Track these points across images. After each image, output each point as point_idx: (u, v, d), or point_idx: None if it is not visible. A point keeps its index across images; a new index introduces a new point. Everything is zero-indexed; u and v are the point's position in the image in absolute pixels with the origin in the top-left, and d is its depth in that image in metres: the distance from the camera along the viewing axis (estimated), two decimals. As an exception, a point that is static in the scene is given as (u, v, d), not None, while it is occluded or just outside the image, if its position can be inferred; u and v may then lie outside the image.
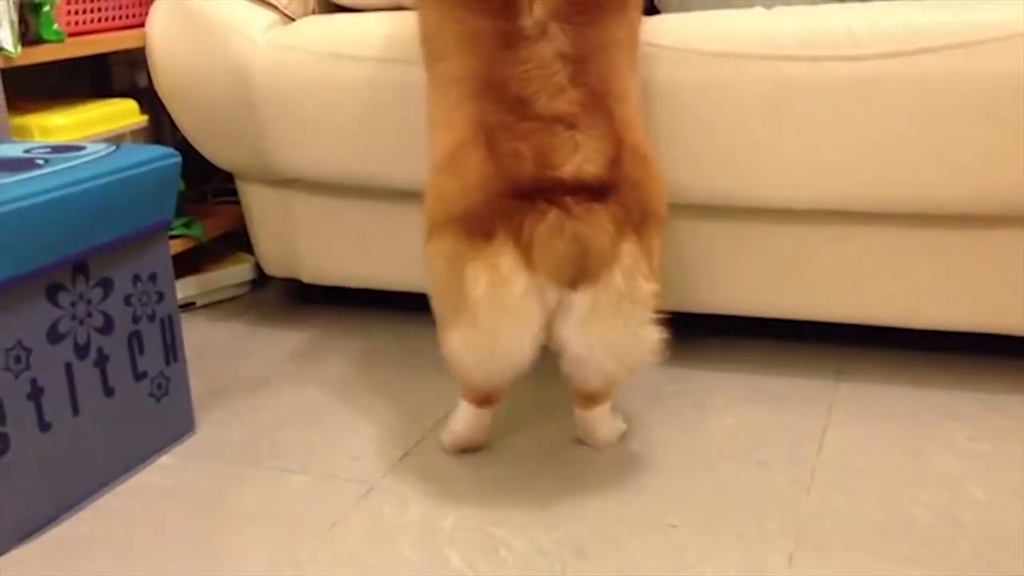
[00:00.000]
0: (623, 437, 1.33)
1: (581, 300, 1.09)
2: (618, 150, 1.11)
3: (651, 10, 1.49)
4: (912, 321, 1.46)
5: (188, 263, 1.87)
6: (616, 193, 1.10)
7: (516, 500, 1.21)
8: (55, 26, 1.55)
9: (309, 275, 1.77)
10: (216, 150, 1.70)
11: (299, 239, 1.74)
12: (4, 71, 1.48)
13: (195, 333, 1.75)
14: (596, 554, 1.10)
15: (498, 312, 1.08)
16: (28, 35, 1.53)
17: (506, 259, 1.07)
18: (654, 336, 1.14)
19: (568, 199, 1.07)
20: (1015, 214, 1.34)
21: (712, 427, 1.36)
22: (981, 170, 1.31)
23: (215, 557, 1.12)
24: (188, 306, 1.85)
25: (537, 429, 1.37)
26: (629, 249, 1.10)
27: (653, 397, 1.45)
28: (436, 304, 1.20)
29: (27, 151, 1.28)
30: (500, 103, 1.11)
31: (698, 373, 1.52)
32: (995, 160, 1.30)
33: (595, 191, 1.08)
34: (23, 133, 1.53)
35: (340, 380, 1.55)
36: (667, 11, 1.48)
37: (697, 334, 1.64)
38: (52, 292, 1.15)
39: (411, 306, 1.65)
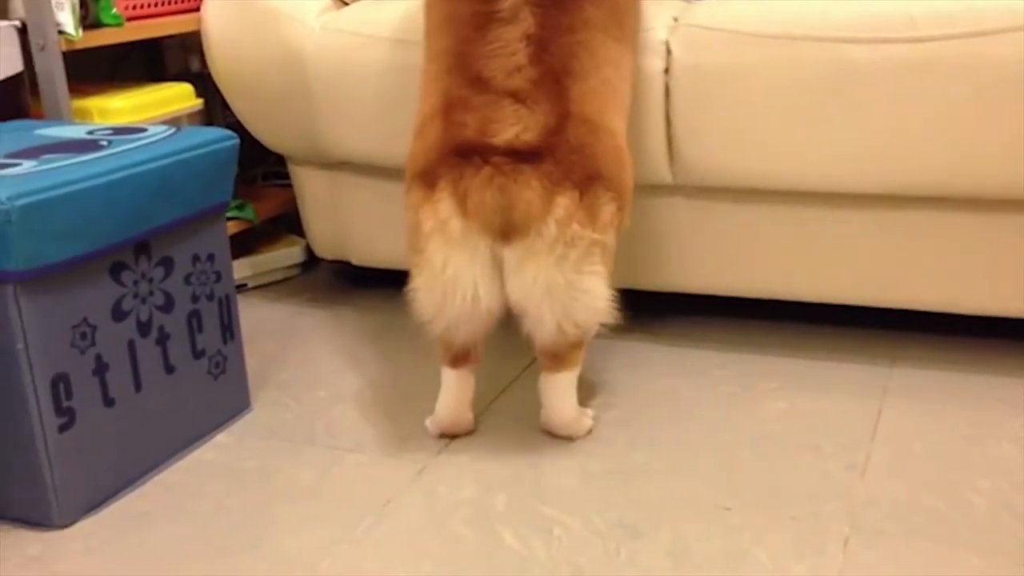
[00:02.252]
0: (588, 433, 1.32)
1: (513, 250, 1.18)
2: (561, 121, 1.19)
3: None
4: (967, 307, 1.44)
5: (240, 245, 1.90)
6: (552, 156, 1.18)
7: (569, 481, 1.21)
8: (114, 10, 1.57)
9: (359, 258, 1.79)
10: (269, 133, 1.71)
11: (349, 222, 1.76)
12: (65, 54, 1.50)
13: (247, 314, 1.77)
14: (650, 535, 1.10)
15: (442, 245, 1.19)
16: (88, 19, 1.55)
17: (445, 204, 1.19)
18: (599, 288, 1.20)
19: (500, 159, 1.17)
20: (1077, 199, 1.32)
21: (764, 411, 1.36)
22: (1043, 154, 1.29)
23: (270, 533, 1.14)
24: (240, 287, 1.87)
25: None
26: (564, 201, 1.17)
27: (703, 380, 1.45)
28: (407, 249, 1.27)
29: (90, 132, 1.30)
30: (464, 79, 1.22)
31: (748, 357, 1.51)
32: (1057, 144, 1.28)
33: (526, 155, 1.17)
34: (83, 115, 1.56)
35: (391, 361, 1.57)
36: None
37: (748, 318, 1.64)
38: (116, 271, 1.18)
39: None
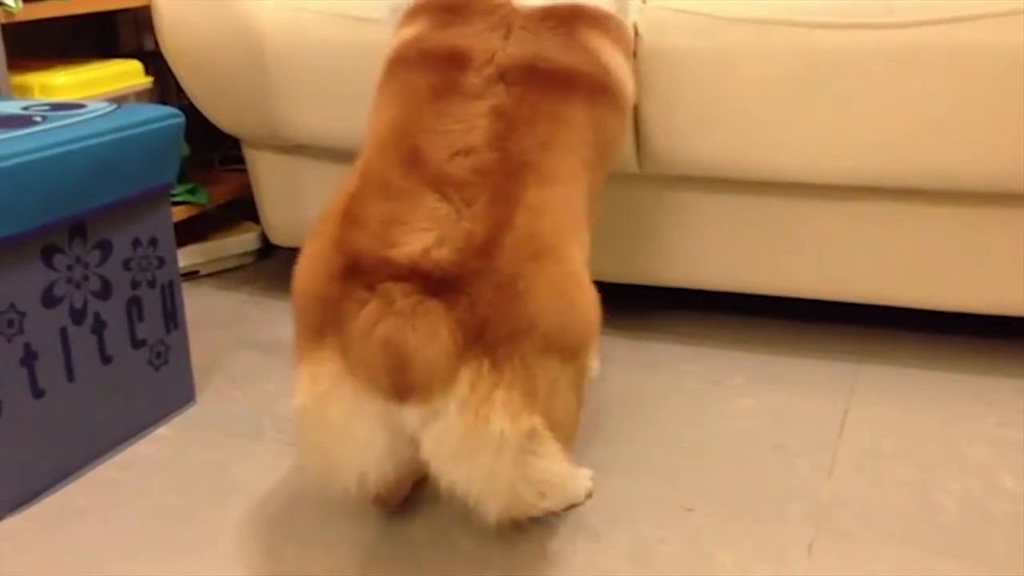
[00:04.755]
0: (589, 496, 1.12)
1: (421, 426, 0.88)
2: (496, 236, 0.88)
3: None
4: (938, 303, 1.41)
5: (193, 231, 1.83)
6: (468, 292, 0.86)
7: (526, 479, 1.17)
8: (58, -18, 1.50)
9: (316, 245, 1.73)
10: (222, 114, 1.65)
11: (306, 208, 1.70)
12: (5, 27, 1.43)
13: (198, 302, 1.71)
14: (609, 537, 1.05)
15: (320, 432, 0.90)
16: (30, -10, 1.48)
17: (327, 367, 0.88)
18: (554, 470, 0.90)
19: (393, 287, 0.85)
20: (1052, 193, 1.28)
21: (729, 408, 1.32)
22: (1019, 145, 1.25)
23: (213, 532, 1.08)
24: (192, 274, 1.81)
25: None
26: (469, 378, 0.85)
27: (666, 375, 1.40)
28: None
29: (25, 108, 1.23)
30: (396, 157, 0.94)
31: (715, 352, 1.47)
32: (1033, 136, 1.24)
33: (435, 282, 0.86)
34: (24, 91, 1.49)
35: (346, 353, 1.51)
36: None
37: (714, 311, 1.60)
38: (48, 254, 1.11)
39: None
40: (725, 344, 1.50)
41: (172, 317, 1.29)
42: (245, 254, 1.88)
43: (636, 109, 1.38)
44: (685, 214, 1.46)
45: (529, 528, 1.07)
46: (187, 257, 1.78)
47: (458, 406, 0.86)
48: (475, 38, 1.03)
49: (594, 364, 0.98)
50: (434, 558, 1.03)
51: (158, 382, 1.29)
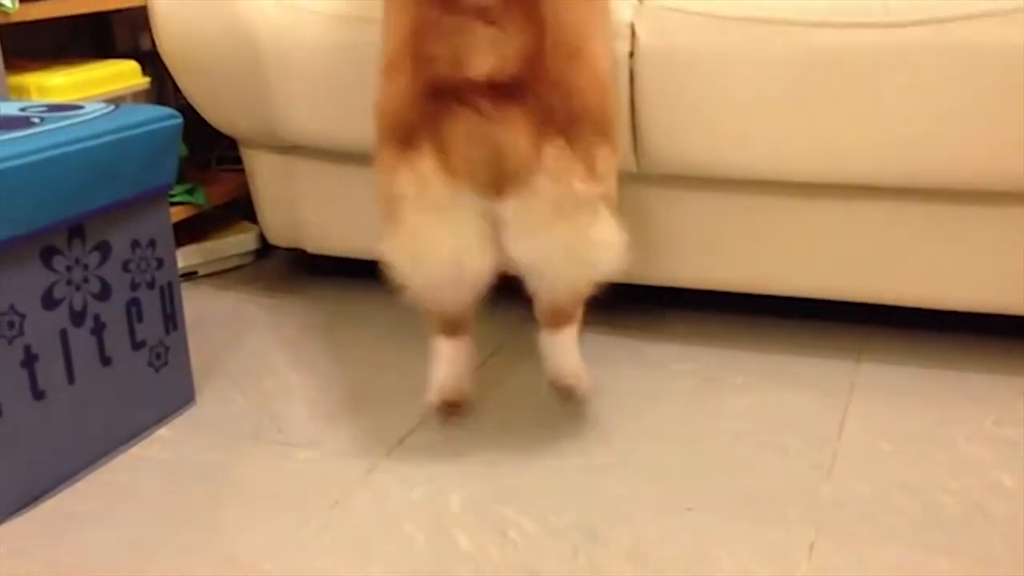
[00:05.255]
0: (591, 392, 1.27)
1: (513, 209, 1.06)
2: (538, 44, 1.05)
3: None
4: (937, 302, 1.41)
5: (191, 231, 1.83)
6: (533, 90, 1.05)
7: (525, 480, 1.17)
8: (54, -18, 1.50)
9: (314, 245, 1.72)
10: (219, 115, 1.65)
11: (304, 208, 1.70)
12: (2, 28, 1.43)
13: (197, 303, 1.71)
14: (609, 537, 1.06)
15: (421, 214, 1.07)
16: (26, -9, 1.48)
17: (427, 163, 1.06)
18: (612, 237, 1.10)
19: (481, 100, 1.04)
20: (1049, 192, 1.29)
21: (727, 407, 1.32)
22: (1016, 144, 1.25)
23: (214, 533, 1.08)
24: (191, 275, 1.80)
25: (543, 409, 1.33)
26: (554, 152, 1.05)
27: (664, 374, 1.40)
28: (381, 217, 1.16)
29: (22, 109, 1.23)
30: (435, 2, 1.07)
31: (712, 351, 1.47)
32: (1031, 135, 1.25)
33: (509, 89, 1.04)
34: (21, 92, 1.48)
35: (345, 353, 1.51)
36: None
37: (711, 310, 1.60)
38: (47, 255, 1.11)
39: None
40: (723, 343, 1.50)
41: (171, 318, 1.29)
42: (244, 254, 1.88)
43: (633, 108, 1.38)
44: (683, 213, 1.46)
45: (523, 524, 1.07)
46: (186, 257, 1.77)
47: (548, 177, 1.05)
48: None
49: (619, 157, 1.19)
50: (432, 559, 1.03)
51: (158, 383, 1.29)
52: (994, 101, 1.24)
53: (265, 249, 1.91)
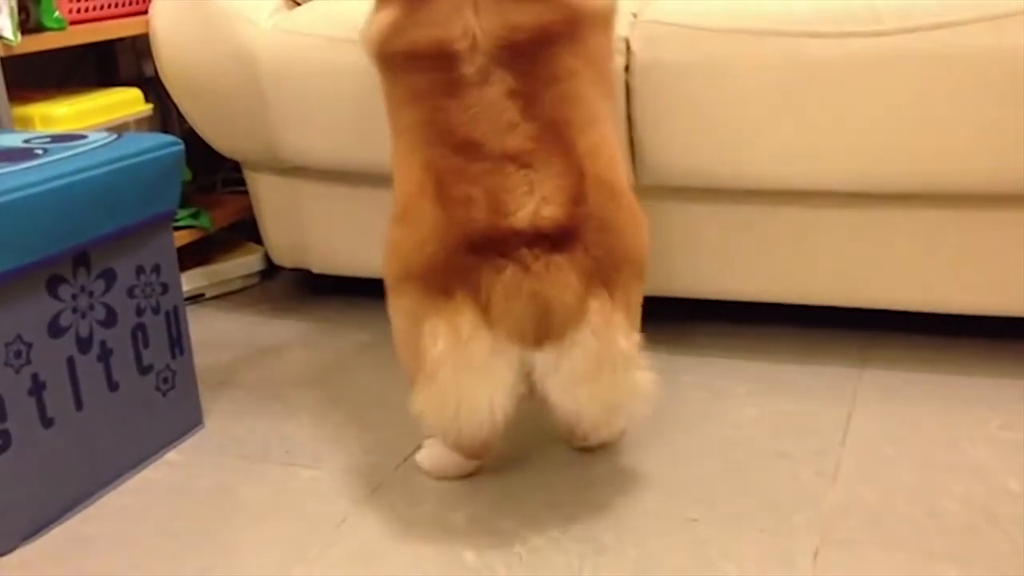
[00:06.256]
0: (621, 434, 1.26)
1: (552, 362, 1.02)
2: (580, 185, 1.02)
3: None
4: (939, 306, 1.41)
5: (197, 254, 1.84)
6: (580, 239, 1.01)
7: (531, 495, 1.17)
8: (56, 13, 1.52)
9: (318, 265, 1.74)
10: (222, 138, 1.66)
11: (308, 229, 1.71)
12: (5, 60, 1.45)
13: (204, 325, 1.72)
14: (614, 550, 1.06)
15: (459, 372, 1.01)
16: (29, 23, 1.50)
17: (466, 318, 1.00)
18: (647, 388, 1.07)
19: (525, 252, 1.00)
20: (1047, 194, 1.29)
21: (732, 417, 1.32)
22: (1010, 148, 1.26)
23: (224, 555, 1.09)
24: (197, 298, 1.82)
25: (546, 423, 1.33)
26: (598, 306, 1.01)
27: (670, 386, 1.41)
28: (401, 360, 1.14)
29: (26, 141, 1.25)
30: (449, 147, 1.04)
31: (717, 361, 1.48)
32: (1026, 138, 1.25)
33: (555, 239, 1.00)
34: (25, 123, 1.50)
35: (350, 372, 1.52)
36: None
37: (715, 321, 1.60)
38: (52, 285, 1.12)
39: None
40: (725, 353, 1.50)
41: (177, 342, 1.31)
42: (249, 276, 1.89)
43: (630, 121, 1.39)
44: (682, 224, 1.47)
45: (529, 539, 1.08)
46: (191, 280, 1.79)
47: (592, 332, 1.01)
48: (448, 22, 1.06)
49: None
50: (440, 573, 1.04)
51: (165, 407, 1.30)
52: (986, 105, 1.25)
53: (270, 270, 1.92)
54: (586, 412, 1.05)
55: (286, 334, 1.67)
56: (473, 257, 1.00)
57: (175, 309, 1.30)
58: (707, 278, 1.49)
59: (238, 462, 1.28)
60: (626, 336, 1.04)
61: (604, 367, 1.02)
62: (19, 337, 1.09)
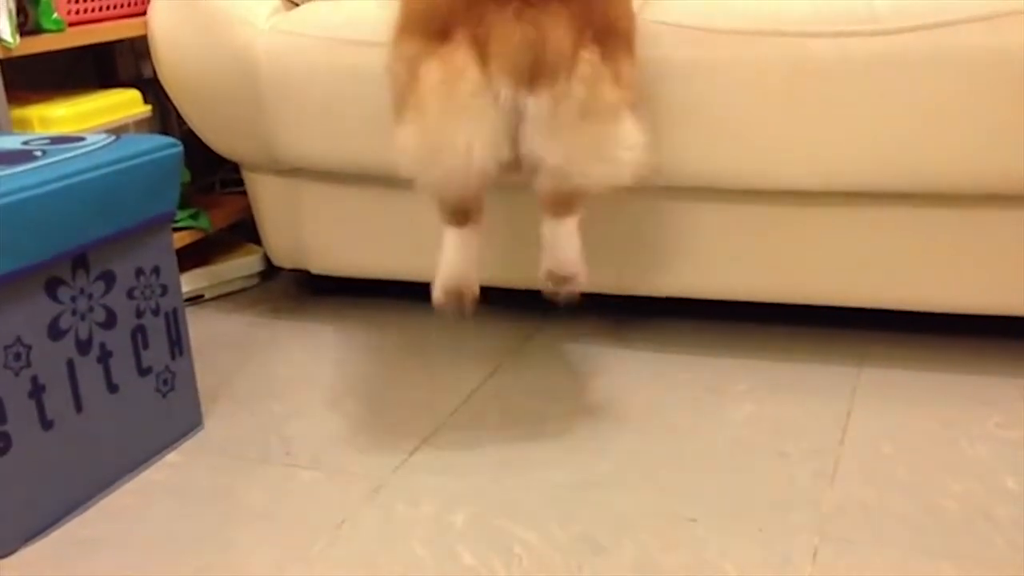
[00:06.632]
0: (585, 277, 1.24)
1: (541, 106, 1.07)
2: None
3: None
4: (938, 305, 1.41)
5: (196, 255, 1.85)
6: None
7: (530, 495, 1.17)
8: (55, 15, 1.52)
9: (317, 266, 1.74)
10: (220, 139, 1.66)
11: (307, 230, 1.71)
12: (3, 61, 1.45)
13: (204, 326, 1.72)
14: (613, 550, 1.06)
15: (446, 102, 1.07)
16: (27, 25, 1.50)
17: (460, 54, 1.07)
18: (635, 139, 1.12)
19: None
20: (1045, 192, 1.29)
21: (730, 416, 1.32)
22: (1008, 147, 1.26)
23: (223, 555, 1.09)
24: (197, 299, 1.82)
25: (545, 419, 1.34)
26: (588, 57, 1.08)
27: (666, 385, 1.41)
28: (392, 107, 1.17)
29: (25, 143, 1.25)
30: None
31: (714, 360, 1.48)
32: (1023, 136, 1.25)
33: None
34: (23, 125, 1.50)
35: (350, 373, 1.52)
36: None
37: (711, 319, 1.60)
38: (52, 287, 1.13)
39: (421, 296, 1.62)
40: (723, 352, 1.51)
41: (177, 343, 1.31)
42: (249, 277, 1.89)
43: (630, 122, 1.39)
44: (682, 224, 1.47)
45: (527, 539, 1.08)
46: (191, 282, 1.79)
47: (579, 79, 1.07)
48: None
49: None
50: (438, 573, 1.04)
51: (165, 409, 1.30)
52: (984, 105, 1.25)
53: (270, 271, 1.92)
54: (573, 161, 1.10)
55: (285, 334, 1.68)
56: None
57: (175, 310, 1.30)
58: (706, 277, 1.50)
59: (238, 463, 1.28)
60: (613, 88, 1.10)
61: (590, 113, 1.08)
62: (19, 339, 1.09)
